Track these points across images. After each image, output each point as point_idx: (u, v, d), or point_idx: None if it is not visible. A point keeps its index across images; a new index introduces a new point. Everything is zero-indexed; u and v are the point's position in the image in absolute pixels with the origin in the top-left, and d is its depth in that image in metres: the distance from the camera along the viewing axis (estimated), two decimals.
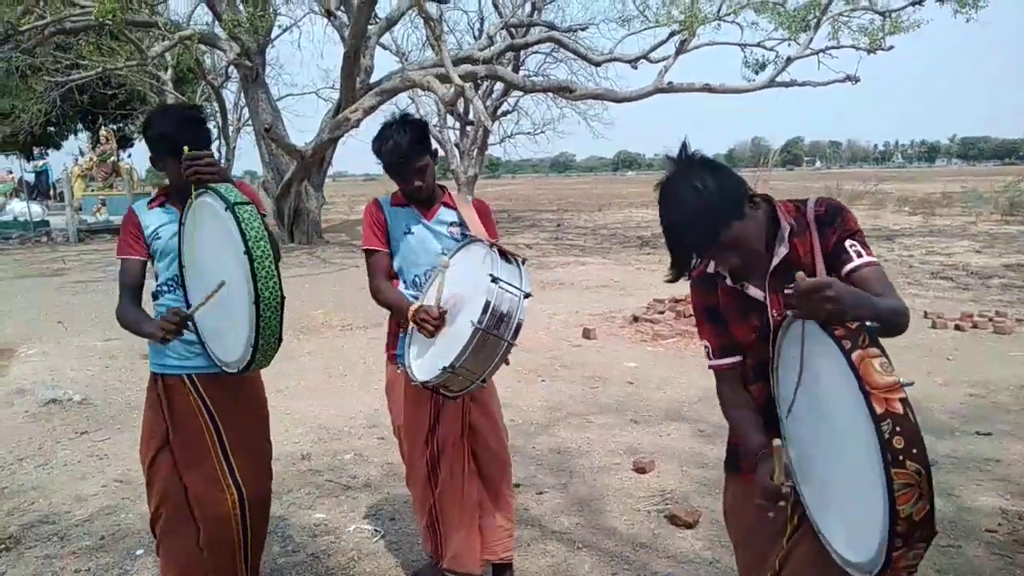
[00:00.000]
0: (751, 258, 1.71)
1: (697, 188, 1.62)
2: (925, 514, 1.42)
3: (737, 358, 1.87)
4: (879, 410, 1.41)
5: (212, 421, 2.44)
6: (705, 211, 1.62)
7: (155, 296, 2.49)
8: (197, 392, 2.43)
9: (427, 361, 2.48)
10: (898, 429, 1.40)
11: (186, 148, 2.19)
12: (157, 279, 2.48)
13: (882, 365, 1.43)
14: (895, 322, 1.57)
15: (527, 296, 2.40)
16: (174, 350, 2.42)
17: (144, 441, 2.51)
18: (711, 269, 1.84)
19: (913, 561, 1.49)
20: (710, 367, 1.92)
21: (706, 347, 1.92)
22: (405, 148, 2.62)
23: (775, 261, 1.72)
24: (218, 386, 2.44)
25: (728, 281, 1.81)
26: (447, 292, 2.52)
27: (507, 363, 2.51)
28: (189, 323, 2.27)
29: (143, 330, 2.36)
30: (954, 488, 3.77)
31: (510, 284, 2.37)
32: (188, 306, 2.35)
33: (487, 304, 2.28)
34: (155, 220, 2.43)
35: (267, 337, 2.13)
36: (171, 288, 2.42)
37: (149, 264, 2.47)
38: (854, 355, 1.44)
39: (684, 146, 1.70)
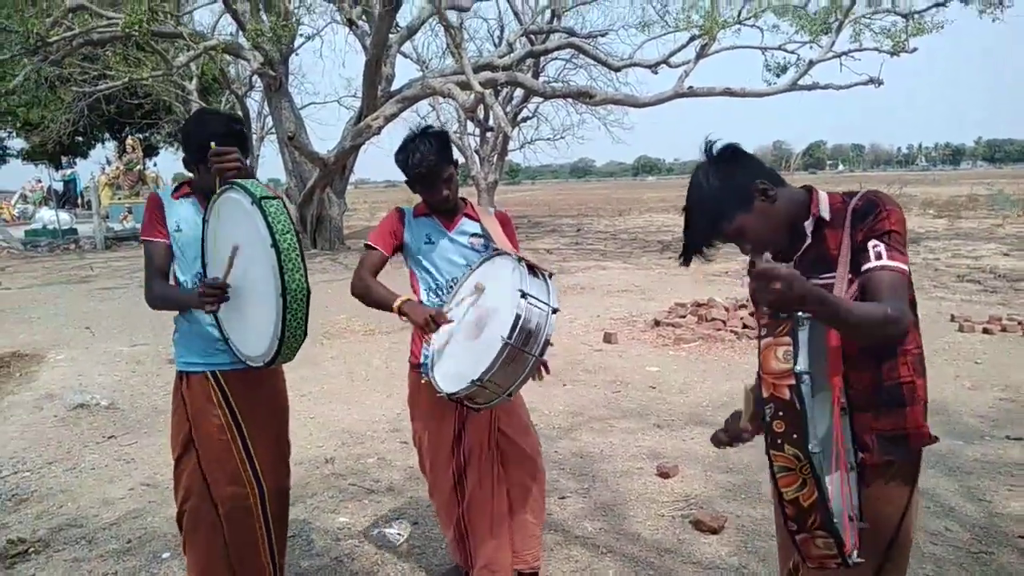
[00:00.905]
0: (763, 247, 1.73)
1: (701, 183, 1.74)
2: (815, 501, 1.47)
3: None
4: (765, 393, 1.49)
5: (233, 418, 2.46)
6: (706, 204, 1.73)
7: None
8: (220, 388, 2.46)
9: (454, 373, 2.46)
10: (780, 413, 1.47)
11: (212, 144, 2.22)
12: (177, 278, 2.49)
13: (785, 354, 1.48)
14: (872, 331, 1.53)
15: (555, 311, 2.40)
16: (199, 347, 2.45)
17: (172, 440, 2.55)
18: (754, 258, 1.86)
19: (827, 551, 1.53)
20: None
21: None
22: (432, 160, 2.62)
23: (800, 252, 1.75)
24: (241, 382, 2.47)
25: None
26: (471, 305, 2.53)
27: (545, 372, 2.61)
28: (215, 316, 2.31)
29: (192, 302, 2.38)
30: (985, 493, 3.70)
31: (538, 299, 2.36)
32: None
33: (517, 319, 2.27)
34: (179, 212, 2.45)
35: (293, 330, 2.14)
36: (196, 286, 2.43)
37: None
38: (764, 341, 1.51)
39: (708, 142, 1.79)
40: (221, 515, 2.47)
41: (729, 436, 1.83)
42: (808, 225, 1.73)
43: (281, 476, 2.62)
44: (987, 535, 3.29)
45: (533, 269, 2.47)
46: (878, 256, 1.61)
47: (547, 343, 2.36)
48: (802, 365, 1.46)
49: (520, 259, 2.49)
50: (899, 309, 1.55)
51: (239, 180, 2.19)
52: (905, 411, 1.70)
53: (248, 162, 2.34)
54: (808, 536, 1.51)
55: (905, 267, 1.62)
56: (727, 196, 1.70)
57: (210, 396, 2.46)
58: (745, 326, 7.20)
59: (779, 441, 1.47)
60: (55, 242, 20.14)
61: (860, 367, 1.69)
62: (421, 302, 2.75)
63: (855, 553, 1.56)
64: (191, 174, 2.47)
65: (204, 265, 2.39)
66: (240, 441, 2.47)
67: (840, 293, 1.61)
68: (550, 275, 2.51)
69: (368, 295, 2.69)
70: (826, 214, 1.72)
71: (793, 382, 1.45)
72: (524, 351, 2.31)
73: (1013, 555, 3.11)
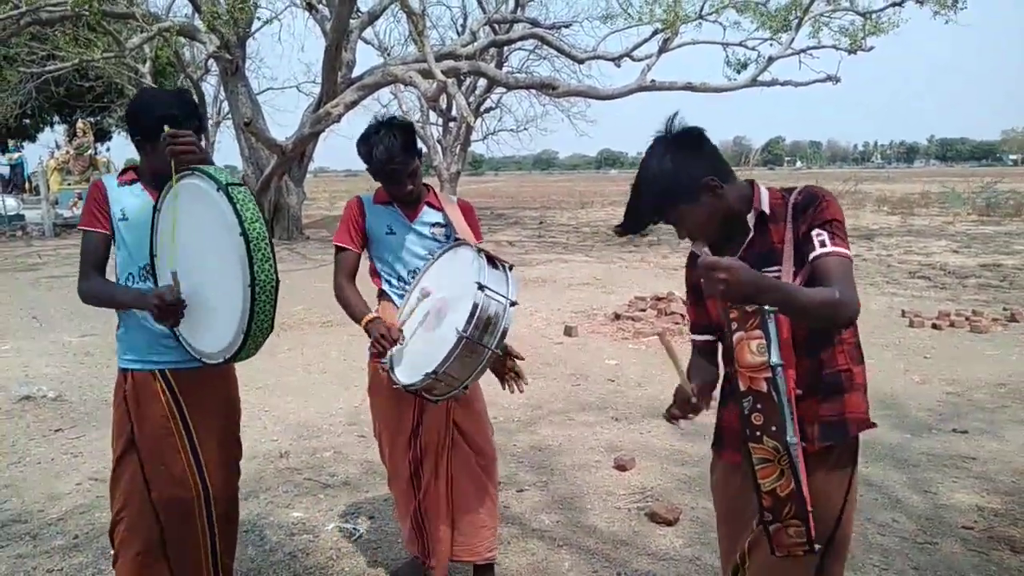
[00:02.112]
0: (699, 237, 1.80)
1: (653, 166, 1.73)
2: (791, 491, 1.50)
3: (706, 337, 1.99)
4: (742, 387, 1.52)
5: (182, 418, 2.34)
6: (654, 186, 1.73)
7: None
8: (169, 388, 2.34)
9: (410, 365, 2.44)
10: (758, 406, 1.50)
11: (166, 127, 2.12)
12: (118, 267, 2.37)
13: (759, 347, 1.51)
14: (824, 313, 1.57)
15: (513, 304, 2.38)
16: (146, 343, 2.33)
17: (113, 441, 2.41)
18: (695, 248, 1.89)
19: (797, 539, 1.57)
20: (690, 339, 2.07)
21: (689, 321, 2.08)
22: (398, 154, 2.57)
23: (744, 246, 1.78)
24: (192, 381, 2.36)
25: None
26: (432, 296, 2.50)
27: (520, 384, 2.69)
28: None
29: (127, 301, 2.27)
30: (931, 485, 3.80)
31: (496, 292, 2.34)
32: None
33: (473, 312, 2.25)
34: (124, 199, 2.33)
35: (260, 323, 2.07)
36: (143, 278, 2.32)
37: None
38: (736, 336, 1.53)
39: (671, 119, 1.77)
40: (161, 520, 2.34)
41: (679, 406, 1.84)
42: (751, 219, 1.77)
43: (229, 480, 2.50)
44: (932, 526, 3.38)
45: (493, 260, 2.45)
46: (823, 244, 1.65)
47: (504, 336, 2.34)
48: (776, 357, 1.49)
49: (480, 250, 2.47)
50: (848, 293, 1.59)
51: (200, 166, 2.10)
52: (843, 397, 1.75)
53: (203, 144, 2.25)
54: (782, 526, 1.54)
55: (849, 254, 1.67)
56: (676, 185, 1.71)
57: (157, 395, 2.33)
58: None
59: (758, 434, 1.49)
60: (0, 228, 19.47)
61: (799, 357, 1.72)
62: (385, 293, 2.73)
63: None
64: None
65: (153, 256, 2.28)
66: (188, 442, 2.35)
67: None
68: (510, 267, 2.49)
69: (345, 307, 2.69)
70: (766, 208, 1.77)
71: (770, 375, 1.48)
72: (480, 344, 2.30)
73: (957, 545, 3.20)
